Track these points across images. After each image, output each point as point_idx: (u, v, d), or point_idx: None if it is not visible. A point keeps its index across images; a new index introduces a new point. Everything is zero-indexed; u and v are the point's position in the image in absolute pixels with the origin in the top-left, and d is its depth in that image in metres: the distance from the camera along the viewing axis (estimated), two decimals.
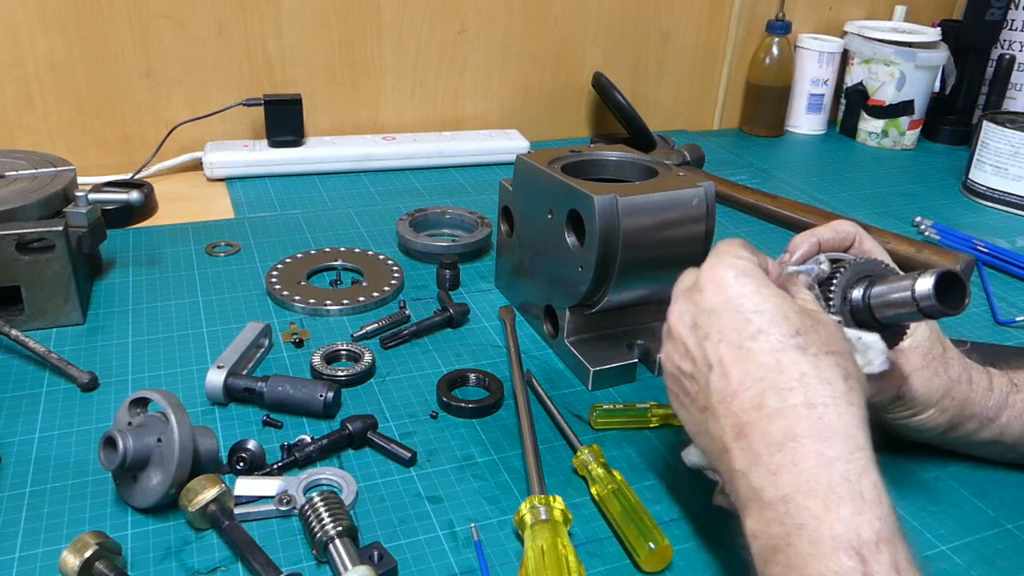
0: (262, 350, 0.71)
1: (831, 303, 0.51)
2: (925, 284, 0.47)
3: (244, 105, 1.11)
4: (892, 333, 0.52)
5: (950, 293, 0.47)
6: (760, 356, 0.43)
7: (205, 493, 0.51)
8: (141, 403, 0.56)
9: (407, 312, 0.78)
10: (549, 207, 0.70)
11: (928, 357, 0.54)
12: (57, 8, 1.01)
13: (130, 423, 0.55)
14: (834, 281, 0.52)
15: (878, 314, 0.50)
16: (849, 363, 0.44)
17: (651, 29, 1.35)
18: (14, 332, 0.68)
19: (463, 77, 1.26)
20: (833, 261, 0.55)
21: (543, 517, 0.51)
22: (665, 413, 0.64)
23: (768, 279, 0.47)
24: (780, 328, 0.44)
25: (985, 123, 1.16)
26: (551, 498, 0.53)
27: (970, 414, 0.56)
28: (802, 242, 0.56)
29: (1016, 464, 0.61)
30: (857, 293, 0.51)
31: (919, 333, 0.55)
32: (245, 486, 0.55)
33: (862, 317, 0.51)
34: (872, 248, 0.57)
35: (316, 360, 0.69)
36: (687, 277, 0.51)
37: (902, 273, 0.51)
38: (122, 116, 1.10)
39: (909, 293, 0.48)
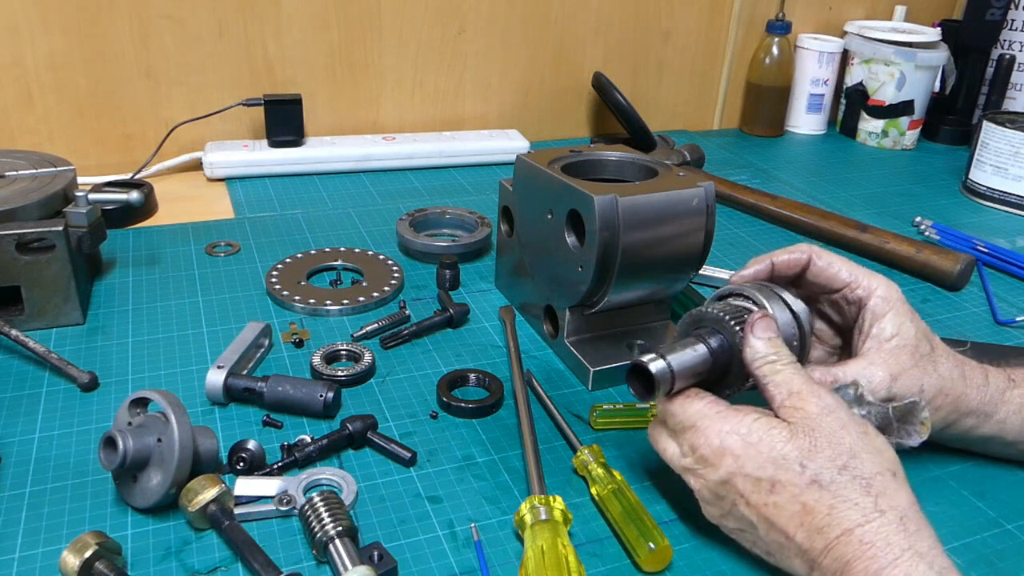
0: (262, 350, 0.71)
1: None
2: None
3: (244, 105, 1.11)
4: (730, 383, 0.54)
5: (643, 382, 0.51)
6: (787, 507, 0.46)
7: (205, 493, 0.51)
8: (141, 403, 0.56)
9: (407, 312, 0.78)
10: (549, 207, 0.70)
11: (916, 356, 0.55)
12: (57, 8, 1.01)
13: (130, 423, 0.55)
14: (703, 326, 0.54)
15: None
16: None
17: (651, 29, 1.35)
18: (14, 332, 0.68)
19: (463, 77, 1.26)
20: (739, 295, 0.56)
21: (543, 517, 0.51)
22: None
23: (741, 411, 0.49)
24: (789, 472, 0.46)
25: (985, 123, 1.16)
26: (551, 498, 0.53)
27: (966, 411, 0.56)
28: (756, 262, 0.59)
29: (1017, 461, 0.61)
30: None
31: (905, 332, 0.55)
32: (245, 486, 0.55)
33: None
34: (829, 263, 0.58)
35: (316, 360, 0.69)
36: (670, 446, 0.52)
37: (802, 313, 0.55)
38: (122, 116, 1.10)
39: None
